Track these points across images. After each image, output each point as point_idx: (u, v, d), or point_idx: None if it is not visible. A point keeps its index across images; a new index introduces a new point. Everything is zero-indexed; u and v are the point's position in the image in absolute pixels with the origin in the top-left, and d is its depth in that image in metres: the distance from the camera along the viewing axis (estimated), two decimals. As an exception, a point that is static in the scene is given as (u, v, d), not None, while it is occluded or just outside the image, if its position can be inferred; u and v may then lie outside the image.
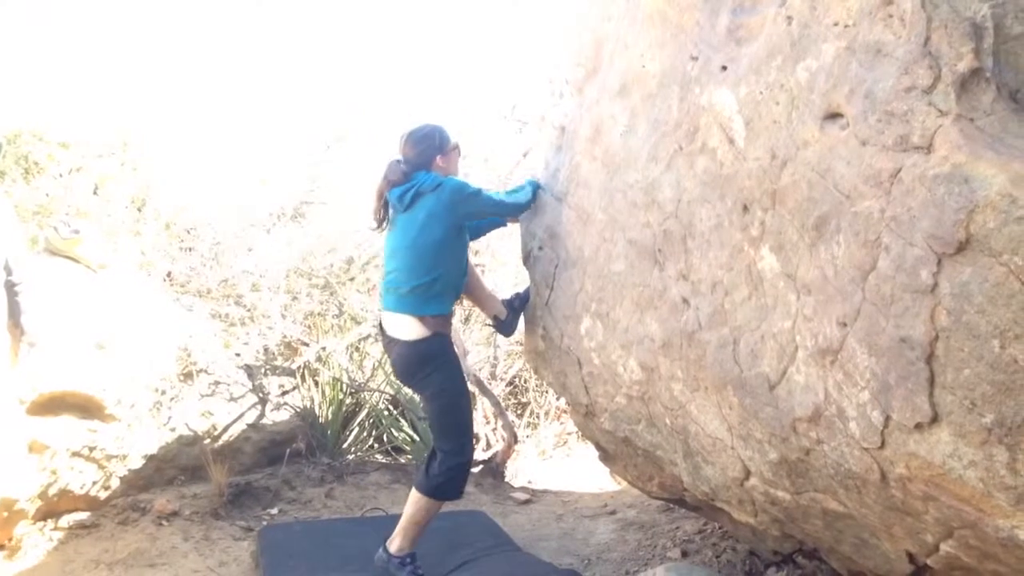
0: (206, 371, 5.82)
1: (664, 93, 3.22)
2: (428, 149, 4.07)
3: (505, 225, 4.57)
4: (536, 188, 4.26)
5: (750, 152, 2.68)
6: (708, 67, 2.94)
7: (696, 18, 3.06)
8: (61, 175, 7.79)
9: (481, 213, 4.13)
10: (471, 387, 6.71)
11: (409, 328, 3.94)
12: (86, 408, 4.99)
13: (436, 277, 3.92)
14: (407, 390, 6.91)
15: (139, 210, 7.97)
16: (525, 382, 7.51)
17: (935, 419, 2.02)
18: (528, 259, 4.33)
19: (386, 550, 4.05)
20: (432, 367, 3.96)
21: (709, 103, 2.90)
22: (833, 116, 2.34)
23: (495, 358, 7.40)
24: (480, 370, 7.03)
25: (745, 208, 2.71)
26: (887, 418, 2.16)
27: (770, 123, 2.59)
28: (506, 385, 7.37)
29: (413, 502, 4.00)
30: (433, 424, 4.11)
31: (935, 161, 1.97)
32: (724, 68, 2.85)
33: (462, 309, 7.82)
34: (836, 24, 2.34)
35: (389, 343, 4.08)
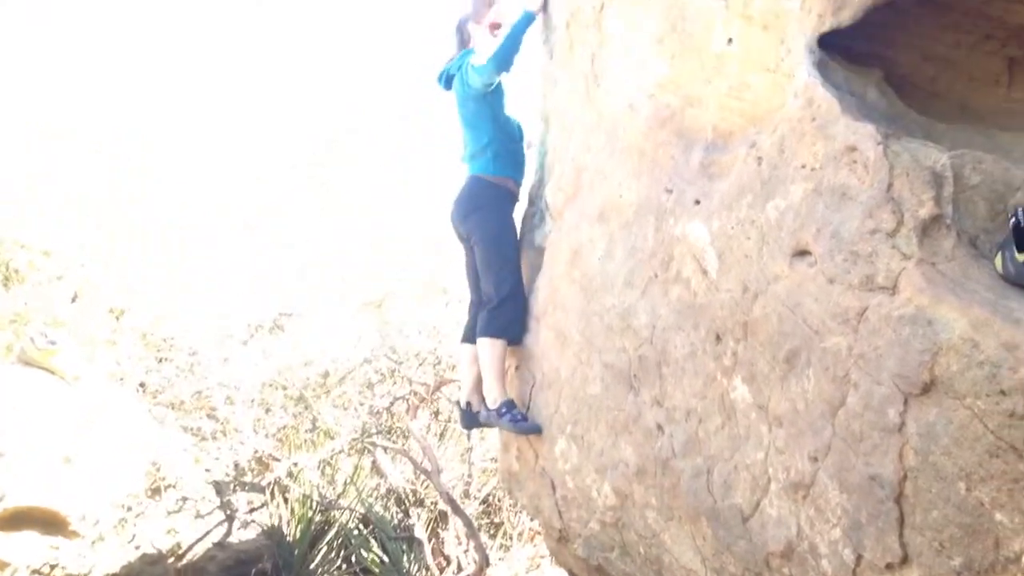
0: (174, 487, 5.71)
1: (640, 222, 3.30)
2: (463, 21, 4.37)
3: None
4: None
5: (723, 283, 2.74)
6: (682, 200, 3.03)
7: (671, 153, 3.17)
8: (41, 283, 7.80)
9: (481, 83, 4.16)
10: (443, 505, 6.61)
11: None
12: (51, 524, 4.87)
13: (487, 143, 4.23)
14: (377, 508, 6.80)
15: (117, 319, 7.96)
16: (499, 501, 7.38)
17: (905, 560, 2.01)
18: (505, 378, 4.33)
19: (487, 409, 4.14)
20: (482, 202, 4.24)
21: (683, 234, 2.98)
22: (802, 253, 2.41)
23: (469, 475, 7.30)
24: (453, 488, 6.92)
25: (718, 338, 2.75)
26: (859, 557, 2.15)
27: (741, 257, 2.66)
28: (480, 503, 7.25)
29: (481, 350, 4.12)
30: (480, 267, 4.25)
31: (899, 302, 2.03)
32: (697, 202, 2.94)
33: (437, 425, 7.77)
34: (803, 167, 2.44)
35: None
